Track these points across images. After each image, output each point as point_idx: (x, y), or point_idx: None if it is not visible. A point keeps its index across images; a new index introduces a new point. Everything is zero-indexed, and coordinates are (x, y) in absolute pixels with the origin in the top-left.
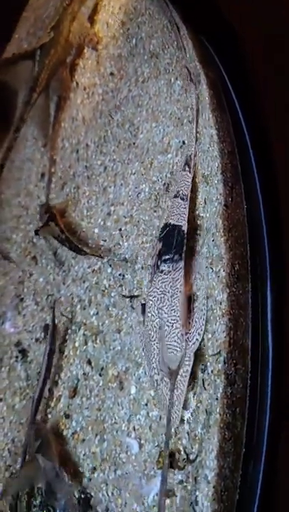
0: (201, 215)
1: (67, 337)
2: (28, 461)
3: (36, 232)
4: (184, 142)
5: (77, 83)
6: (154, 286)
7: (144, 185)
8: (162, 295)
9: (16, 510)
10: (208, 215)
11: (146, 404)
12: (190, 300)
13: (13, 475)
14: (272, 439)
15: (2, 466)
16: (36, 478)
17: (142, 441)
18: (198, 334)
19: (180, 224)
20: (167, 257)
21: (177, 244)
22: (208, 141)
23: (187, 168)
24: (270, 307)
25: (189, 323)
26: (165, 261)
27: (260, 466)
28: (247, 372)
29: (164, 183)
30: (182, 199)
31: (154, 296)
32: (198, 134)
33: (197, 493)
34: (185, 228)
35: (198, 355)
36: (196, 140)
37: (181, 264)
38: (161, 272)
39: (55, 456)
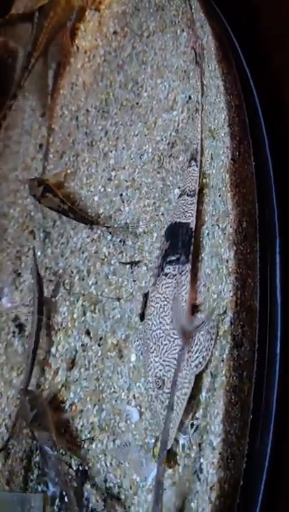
0: (208, 172)
1: (65, 309)
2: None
3: (39, 201)
4: (190, 97)
5: (77, 47)
6: (157, 291)
7: (147, 146)
8: (165, 302)
9: (13, 485)
10: (214, 171)
11: None
12: (195, 311)
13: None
14: (282, 406)
15: None
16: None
17: (143, 409)
18: (203, 358)
19: (188, 221)
20: (173, 258)
21: (184, 243)
22: (214, 93)
23: (194, 163)
24: (279, 269)
25: (192, 340)
26: (170, 262)
27: (269, 434)
28: (254, 335)
29: (169, 143)
30: (189, 195)
31: (157, 303)
32: (204, 87)
33: (202, 460)
34: (193, 225)
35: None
36: (202, 94)
37: (188, 266)
38: (166, 275)
39: (51, 425)
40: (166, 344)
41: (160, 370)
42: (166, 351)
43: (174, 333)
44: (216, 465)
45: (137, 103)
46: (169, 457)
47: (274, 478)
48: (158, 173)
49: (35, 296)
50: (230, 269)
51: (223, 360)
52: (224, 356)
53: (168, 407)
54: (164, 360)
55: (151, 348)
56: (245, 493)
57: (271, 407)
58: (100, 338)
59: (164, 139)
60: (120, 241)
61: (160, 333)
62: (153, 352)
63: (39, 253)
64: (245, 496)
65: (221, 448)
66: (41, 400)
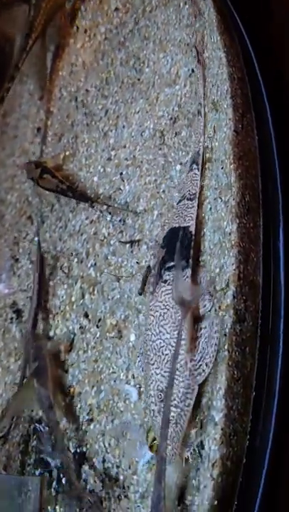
0: (210, 146)
1: (63, 292)
2: (26, 382)
3: (37, 183)
4: (192, 70)
5: (77, 27)
6: (156, 299)
7: (148, 122)
8: (165, 310)
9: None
10: (217, 144)
11: None
12: (197, 320)
13: (12, 397)
14: (285, 383)
15: None
16: (32, 402)
17: (142, 389)
18: (206, 365)
19: (187, 225)
20: (172, 264)
21: (184, 247)
22: (217, 64)
23: (195, 167)
24: (283, 245)
25: (195, 348)
26: (169, 269)
27: (272, 412)
28: (257, 311)
29: (171, 118)
30: (189, 199)
31: (156, 311)
32: (207, 60)
33: (203, 436)
34: (193, 228)
35: None
36: (205, 67)
37: (188, 272)
38: (165, 281)
39: (50, 383)
40: (167, 354)
41: (162, 383)
42: (167, 361)
43: (174, 342)
44: (219, 441)
45: (139, 79)
46: None
47: (277, 456)
48: (160, 149)
49: (35, 279)
50: (232, 242)
51: (225, 335)
52: (226, 330)
53: (163, 420)
54: (165, 372)
55: (151, 359)
56: (248, 471)
57: (274, 384)
58: (99, 320)
59: (167, 114)
60: (120, 220)
61: (160, 343)
62: (154, 364)
63: (36, 238)
64: (248, 474)
65: (224, 424)
66: (44, 352)
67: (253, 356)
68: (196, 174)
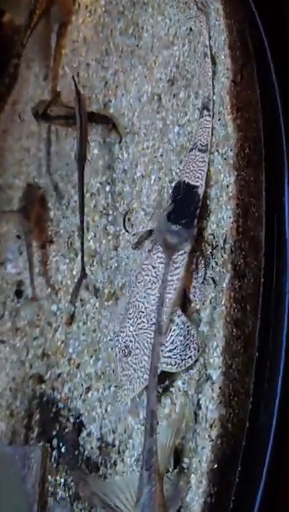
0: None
1: (65, 267)
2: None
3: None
4: (190, 29)
5: (78, 4)
6: (151, 263)
7: (146, 86)
8: (155, 280)
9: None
10: (214, 97)
11: None
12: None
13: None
14: None
15: (4, 405)
16: None
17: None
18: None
19: (196, 184)
20: (174, 228)
21: (189, 213)
22: (214, 16)
23: (206, 113)
24: (288, 200)
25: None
26: (171, 233)
27: (278, 374)
28: (259, 268)
29: (169, 79)
30: (200, 150)
31: (147, 275)
32: (207, 10)
33: (200, 396)
34: (201, 191)
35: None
36: (210, 37)
37: (188, 246)
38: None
39: (32, 216)
40: (143, 322)
41: (130, 342)
42: (141, 329)
43: (153, 317)
44: (216, 400)
45: (138, 45)
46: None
47: (285, 419)
48: (157, 113)
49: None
50: (230, 195)
51: (222, 290)
52: (223, 285)
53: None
54: (136, 335)
55: (130, 314)
56: (252, 436)
57: (280, 345)
58: (98, 290)
59: (165, 76)
60: (118, 190)
61: (142, 307)
62: (131, 319)
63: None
64: (252, 438)
65: (222, 383)
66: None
67: (255, 315)
68: (207, 121)
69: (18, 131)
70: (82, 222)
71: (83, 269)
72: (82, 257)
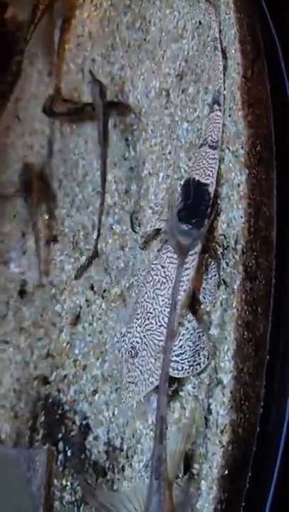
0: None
1: (70, 267)
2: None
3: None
4: (200, 22)
5: None
6: (160, 263)
7: (154, 82)
8: (164, 280)
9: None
10: (225, 92)
11: None
12: (193, 305)
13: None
14: None
15: (8, 406)
16: None
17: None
18: (186, 366)
19: (206, 182)
20: (185, 228)
21: (200, 212)
22: (224, 9)
23: (217, 107)
24: None
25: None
26: (182, 232)
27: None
28: (271, 269)
29: (177, 74)
30: (211, 147)
31: (156, 275)
32: (217, 3)
33: (210, 400)
34: (212, 189)
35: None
36: (221, 31)
37: (198, 247)
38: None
39: (35, 191)
40: (152, 324)
41: (137, 343)
42: (148, 330)
43: (162, 319)
44: (227, 405)
45: (145, 39)
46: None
47: None
48: (166, 108)
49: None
50: (241, 194)
51: (233, 292)
52: (235, 287)
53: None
54: (144, 336)
55: (138, 314)
56: (263, 441)
57: None
58: (104, 291)
59: (173, 71)
60: (125, 188)
61: (150, 308)
62: (139, 319)
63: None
64: (263, 443)
65: (233, 387)
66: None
67: (267, 318)
68: (218, 116)
69: (21, 128)
70: (102, 204)
71: (95, 247)
72: (98, 236)
